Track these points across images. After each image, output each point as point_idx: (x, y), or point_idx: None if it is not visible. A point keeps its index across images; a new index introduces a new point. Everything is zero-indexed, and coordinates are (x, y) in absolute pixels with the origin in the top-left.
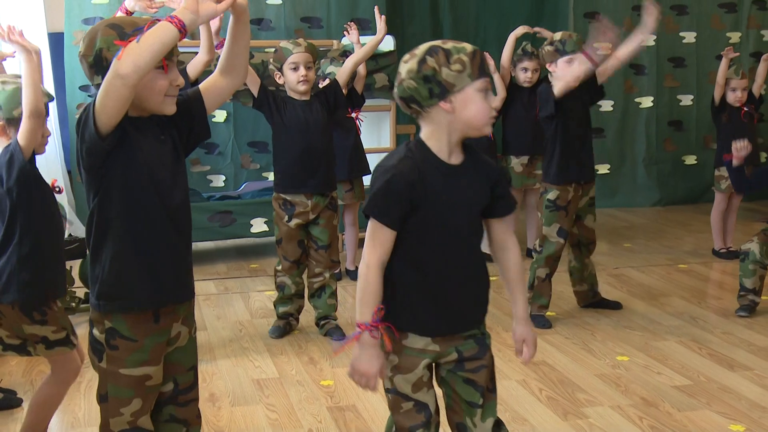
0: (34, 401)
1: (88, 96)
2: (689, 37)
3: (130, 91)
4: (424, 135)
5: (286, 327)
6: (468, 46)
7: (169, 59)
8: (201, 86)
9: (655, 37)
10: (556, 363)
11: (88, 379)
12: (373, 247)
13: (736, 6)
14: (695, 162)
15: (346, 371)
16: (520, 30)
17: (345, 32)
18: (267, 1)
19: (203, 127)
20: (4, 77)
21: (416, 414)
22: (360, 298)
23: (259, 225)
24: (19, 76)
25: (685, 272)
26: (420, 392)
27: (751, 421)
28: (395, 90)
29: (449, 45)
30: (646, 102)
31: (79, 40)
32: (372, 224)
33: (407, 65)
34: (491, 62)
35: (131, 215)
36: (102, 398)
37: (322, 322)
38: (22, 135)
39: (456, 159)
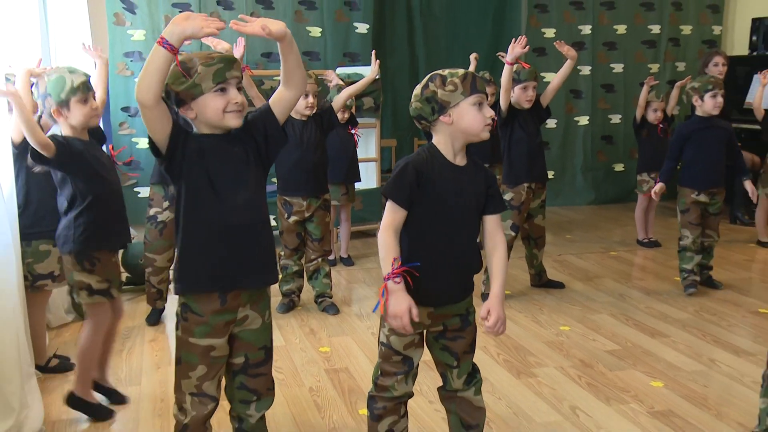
0: (78, 352)
1: (129, 116)
2: (618, 68)
3: (152, 112)
4: (435, 141)
5: (290, 304)
6: (461, 71)
7: (224, 81)
8: (270, 101)
9: (590, 68)
10: (511, 332)
11: (129, 347)
12: (386, 218)
13: (656, 43)
14: (623, 169)
15: (341, 340)
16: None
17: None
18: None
19: (279, 134)
20: (48, 71)
21: (402, 365)
22: (381, 257)
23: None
24: (60, 67)
25: (614, 258)
26: (409, 350)
27: (667, 378)
28: (410, 110)
29: (446, 72)
30: (583, 120)
31: (121, 70)
32: (388, 203)
33: (415, 91)
34: None
35: (194, 215)
36: (177, 362)
37: (320, 300)
38: (75, 117)
39: (461, 161)
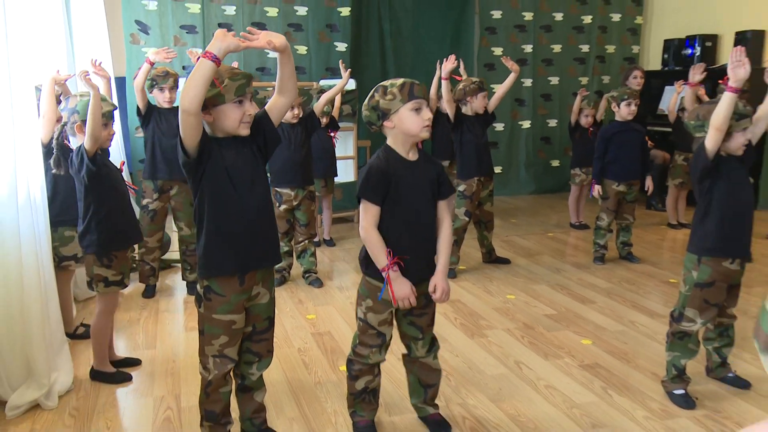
0: (92, 333)
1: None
2: (554, 80)
3: (195, 118)
4: (389, 142)
5: (281, 279)
6: (399, 81)
7: (244, 95)
8: (266, 107)
9: (531, 80)
10: (466, 300)
11: (145, 317)
12: (365, 218)
13: (585, 60)
14: (558, 164)
15: (324, 309)
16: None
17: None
18: (268, 55)
19: (275, 136)
20: (82, 92)
21: (376, 338)
22: (373, 253)
23: None
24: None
25: (551, 238)
26: (383, 327)
27: (595, 337)
28: (362, 117)
29: (387, 83)
30: (526, 124)
31: None
32: (363, 203)
33: (364, 101)
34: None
35: (217, 207)
36: (201, 333)
37: (306, 275)
38: (86, 141)
39: (413, 156)
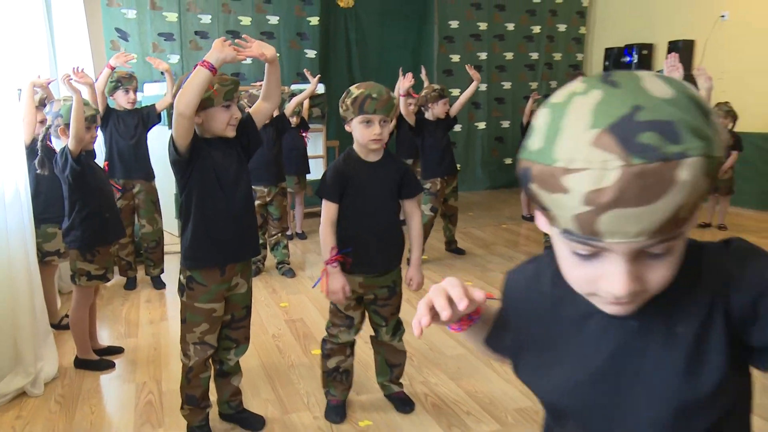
0: (70, 324)
1: None
2: (507, 85)
3: (189, 122)
4: (354, 143)
5: (256, 270)
6: (356, 92)
7: (231, 99)
8: (251, 110)
9: (486, 85)
10: (429, 288)
11: (127, 308)
12: (323, 214)
13: (535, 67)
14: (511, 162)
15: (296, 297)
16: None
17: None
18: (243, 62)
19: (257, 138)
20: (65, 96)
21: (345, 320)
22: (322, 247)
23: None
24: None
25: (505, 230)
26: (349, 311)
27: None
28: None
29: (353, 89)
30: (481, 125)
31: None
32: (323, 202)
33: (340, 101)
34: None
35: (203, 204)
36: (183, 321)
37: (280, 266)
38: (70, 142)
39: (374, 158)
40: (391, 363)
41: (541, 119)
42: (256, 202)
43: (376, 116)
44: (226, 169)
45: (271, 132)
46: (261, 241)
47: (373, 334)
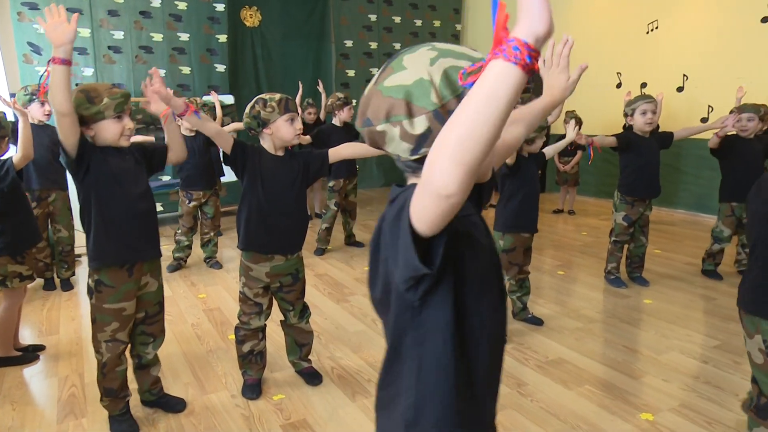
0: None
1: None
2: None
3: (70, 118)
4: (261, 143)
5: (177, 266)
6: (277, 96)
7: (122, 111)
8: (168, 146)
9: None
10: (333, 274)
11: (48, 307)
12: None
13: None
14: None
15: (214, 289)
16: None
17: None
18: (182, 72)
19: (160, 164)
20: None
21: (254, 307)
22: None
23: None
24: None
25: None
26: (258, 298)
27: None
28: (243, 124)
29: (267, 96)
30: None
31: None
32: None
33: (246, 110)
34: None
35: (103, 206)
36: (93, 321)
37: (208, 260)
38: (16, 158)
39: (280, 153)
40: (300, 343)
41: None
42: (192, 203)
43: (296, 114)
44: (124, 169)
45: (201, 141)
46: (187, 243)
47: (282, 318)
